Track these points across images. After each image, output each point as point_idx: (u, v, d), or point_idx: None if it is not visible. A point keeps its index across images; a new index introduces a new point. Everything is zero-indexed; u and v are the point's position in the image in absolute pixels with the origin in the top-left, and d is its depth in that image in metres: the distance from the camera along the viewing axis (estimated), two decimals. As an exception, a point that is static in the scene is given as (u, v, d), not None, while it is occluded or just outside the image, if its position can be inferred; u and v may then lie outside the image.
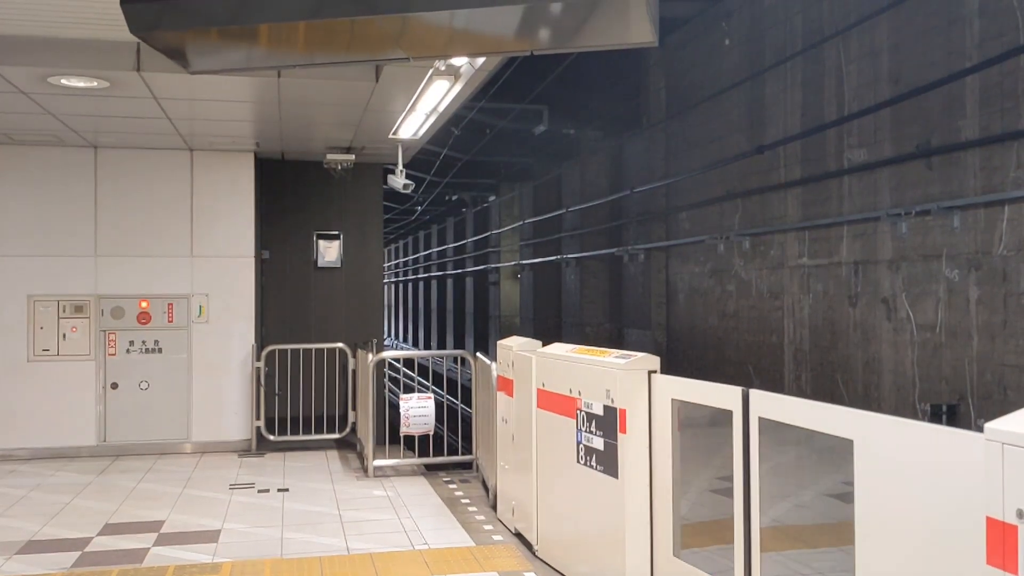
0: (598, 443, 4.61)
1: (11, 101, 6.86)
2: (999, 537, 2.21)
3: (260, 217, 9.78)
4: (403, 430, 7.79)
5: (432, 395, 8.23)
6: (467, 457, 8.00)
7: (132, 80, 6.32)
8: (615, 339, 15.19)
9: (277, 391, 9.37)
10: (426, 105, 7.21)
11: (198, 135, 8.41)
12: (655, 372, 4.40)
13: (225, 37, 3.10)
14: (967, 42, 7.05)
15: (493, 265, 23.35)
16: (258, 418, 8.92)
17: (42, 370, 8.64)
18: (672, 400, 4.21)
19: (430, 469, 8.02)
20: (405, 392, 10.81)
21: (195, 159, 9.08)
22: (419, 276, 37.12)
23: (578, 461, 4.84)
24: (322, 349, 9.52)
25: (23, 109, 7.13)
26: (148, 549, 5.59)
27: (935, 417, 7.13)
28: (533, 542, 5.52)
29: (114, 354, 8.79)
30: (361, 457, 8.38)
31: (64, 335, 8.69)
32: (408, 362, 27.89)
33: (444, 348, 29.47)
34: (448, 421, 16.56)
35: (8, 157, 8.66)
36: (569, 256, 16.56)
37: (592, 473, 4.68)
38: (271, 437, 8.91)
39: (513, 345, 5.97)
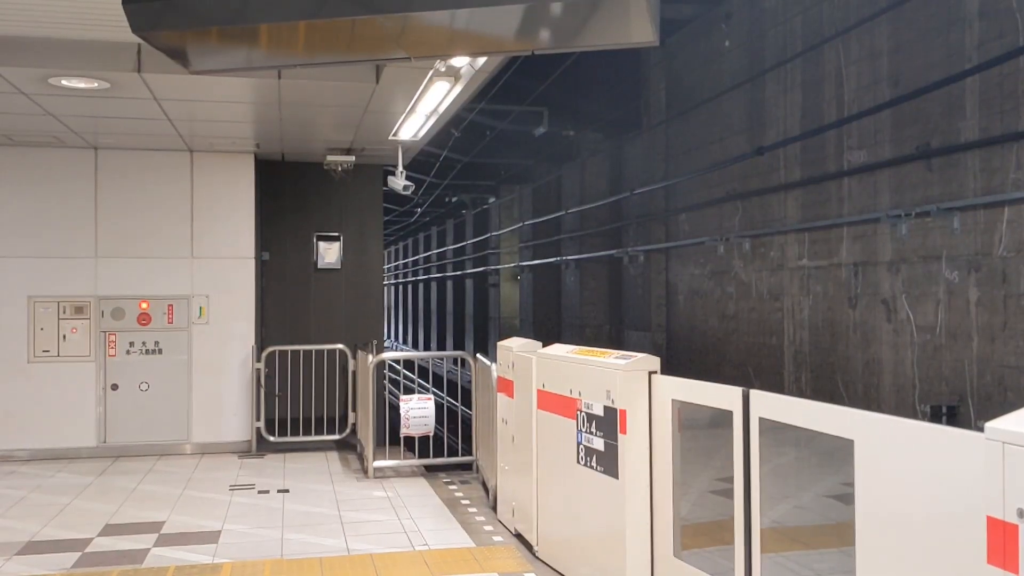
0: (598, 444, 4.61)
1: (11, 102, 6.86)
2: (1000, 536, 2.21)
3: (260, 218, 9.78)
4: (403, 431, 7.78)
5: (432, 396, 8.23)
6: (467, 458, 8.00)
7: (132, 81, 6.32)
8: (615, 340, 15.19)
9: (277, 392, 9.37)
10: (426, 106, 7.22)
11: (198, 136, 8.41)
12: (655, 373, 4.40)
13: (226, 37, 3.11)
14: (967, 43, 7.06)
15: (493, 267, 23.36)
16: (258, 419, 8.92)
17: (42, 371, 8.64)
18: (672, 401, 4.21)
19: (430, 470, 8.02)
20: (405, 394, 10.78)
21: (195, 160, 9.08)
22: (419, 278, 37.13)
23: (578, 462, 4.84)
24: (322, 350, 9.52)
25: (23, 110, 7.13)
26: (148, 550, 5.59)
27: (935, 418, 7.13)
28: (533, 543, 5.52)
29: (114, 355, 8.79)
30: (361, 458, 8.38)
31: (64, 336, 8.69)
32: (408, 363, 27.90)
33: (444, 350, 29.46)
34: (448, 422, 16.56)
35: (8, 158, 8.66)
36: (569, 258, 16.56)
37: (592, 474, 4.68)
38: (271, 438, 8.91)
39: (513, 346, 5.97)
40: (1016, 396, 6.50)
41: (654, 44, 2.99)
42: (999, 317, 6.70)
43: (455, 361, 23.45)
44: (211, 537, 5.89)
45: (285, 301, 10.72)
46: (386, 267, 44.14)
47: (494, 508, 6.57)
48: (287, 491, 7.24)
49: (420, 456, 8.27)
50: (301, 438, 9.10)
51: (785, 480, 4.50)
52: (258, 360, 8.99)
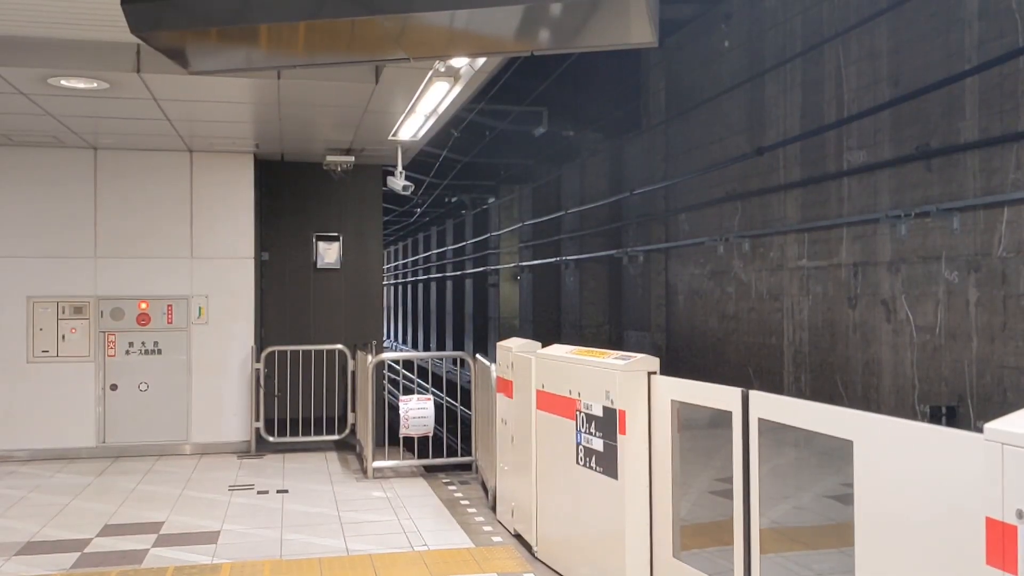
0: (598, 444, 4.61)
1: (11, 102, 6.86)
2: (998, 537, 2.21)
3: (259, 218, 9.78)
4: (402, 432, 7.78)
5: (431, 397, 8.23)
6: (466, 459, 8.00)
7: (132, 81, 6.32)
8: (614, 341, 15.19)
9: (276, 392, 9.36)
10: (426, 107, 7.22)
11: (198, 136, 8.41)
12: (654, 373, 4.40)
13: (225, 37, 3.11)
14: (966, 44, 7.06)
15: (492, 267, 23.35)
16: (257, 419, 8.91)
17: (41, 371, 8.64)
18: (672, 401, 4.21)
19: (429, 471, 8.02)
20: (404, 394, 10.79)
21: (195, 160, 9.08)
22: (418, 278, 37.12)
23: (578, 462, 4.84)
24: (321, 350, 9.51)
25: (23, 110, 7.13)
26: (147, 550, 5.59)
27: (934, 419, 7.14)
28: (532, 543, 5.52)
29: (113, 355, 8.79)
30: (360, 458, 8.38)
31: (63, 336, 8.69)
32: (407, 364, 27.89)
33: (443, 350, 29.45)
34: (447, 423, 16.56)
35: (8, 158, 8.66)
36: (568, 258, 16.56)
37: (592, 474, 4.68)
38: (270, 438, 8.90)
39: (512, 346, 5.97)
40: (1015, 397, 6.50)
41: (653, 45, 3.00)
42: (998, 317, 6.70)
43: (455, 361, 23.45)
44: (210, 537, 5.89)
45: (285, 301, 10.72)
46: (386, 267, 44.14)
47: (493, 508, 6.57)
48: (286, 491, 7.24)
49: (419, 456, 8.27)
50: (300, 438, 9.10)
51: (784, 480, 4.50)
52: (257, 360, 8.99)
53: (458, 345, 27.43)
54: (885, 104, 7.91)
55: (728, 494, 3.68)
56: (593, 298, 15.97)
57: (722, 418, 3.73)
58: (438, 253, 32.39)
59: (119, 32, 5.43)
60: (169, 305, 8.94)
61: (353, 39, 3.15)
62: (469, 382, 12.40)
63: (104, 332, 8.79)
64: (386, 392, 11.34)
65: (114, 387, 8.79)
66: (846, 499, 3.01)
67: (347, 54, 3.40)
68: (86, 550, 5.62)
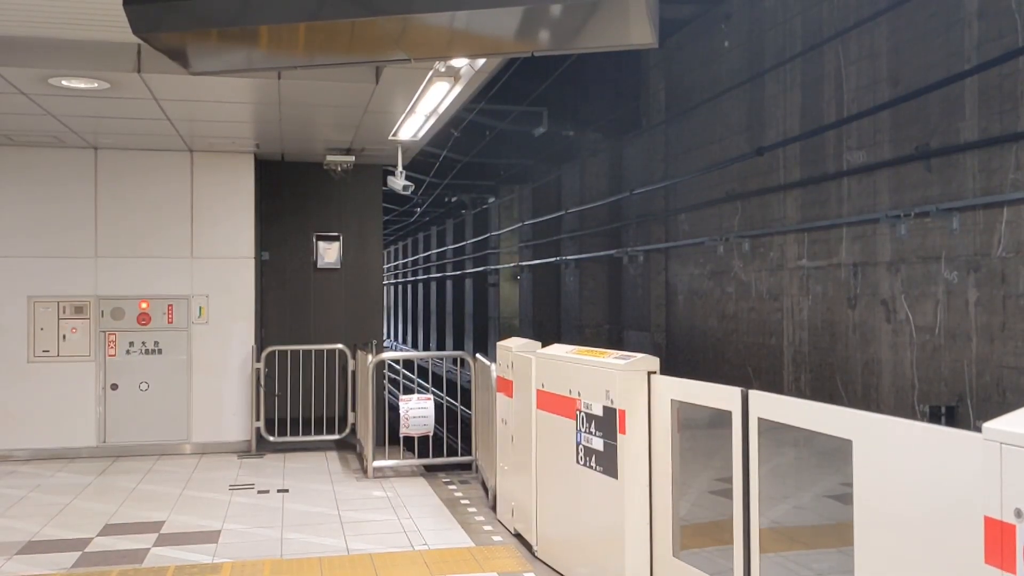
0: (598, 444, 4.62)
1: (12, 102, 6.87)
2: (997, 536, 2.22)
3: (260, 218, 9.79)
4: (403, 431, 7.79)
5: (432, 396, 8.24)
6: (467, 458, 8.01)
7: (132, 81, 6.32)
8: (614, 341, 15.20)
9: (277, 392, 9.37)
10: (426, 107, 7.23)
11: (198, 136, 8.42)
12: (654, 373, 4.40)
13: (226, 38, 3.11)
14: (966, 44, 7.06)
15: (492, 267, 23.36)
16: (258, 419, 8.92)
17: (42, 371, 8.64)
18: (671, 401, 4.22)
19: (429, 470, 8.02)
20: (404, 393, 10.79)
21: (195, 160, 9.09)
22: (418, 278, 37.13)
23: (578, 462, 4.84)
24: (322, 350, 9.52)
25: (24, 110, 7.13)
26: (148, 550, 5.60)
27: (934, 418, 7.15)
28: (533, 543, 5.53)
29: (114, 355, 8.80)
30: (361, 458, 8.39)
31: (64, 336, 8.69)
32: (407, 363, 27.90)
33: (444, 349, 29.46)
34: (447, 422, 16.56)
35: (8, 158, 8.66)
36: (568, 258, 16.57)
37: (592, 474, 4.69)
38: (271, 438, 8.91)
39: (512, 346, 5.98)
40: (1015, 396, 6.51)
41: (653, 46, 3.00)
42: (998, 318, 6.71)
43: (455, 361, 23.45)
44: (211, 537, 5.89)
45: (285, 301, 10.73)
46: (386, 267, 44.14)
47: (493, 508, 6.57)
48: (287, 491, 7.25)
49: (420, 456, 8.27)
50: (301, 438, 9.11)
51: (784, 480, 4.51)
52: (258, 360, 8.99)
53: (458, 345, 27.43)
54: (885, 104, 7.92)
55: (728, 494, 3.69)
56: (593, 298, 15.98)
57: (722, 418, 3.74)
58: (438, 253, 32.39)
59: (120, 32, 5.44)
60: (169, 305, 8.95)
61: (353, 40, 3.16)
62: (469, 382, 12.42)
63: (105, 332, 8.80)
64: (386, 392, 11.35)
65: (114, 387, 8.79)
66: (846, 499, 3.02)
67: (347, 55, 3.40)
68: (87, 549, 5.63)
